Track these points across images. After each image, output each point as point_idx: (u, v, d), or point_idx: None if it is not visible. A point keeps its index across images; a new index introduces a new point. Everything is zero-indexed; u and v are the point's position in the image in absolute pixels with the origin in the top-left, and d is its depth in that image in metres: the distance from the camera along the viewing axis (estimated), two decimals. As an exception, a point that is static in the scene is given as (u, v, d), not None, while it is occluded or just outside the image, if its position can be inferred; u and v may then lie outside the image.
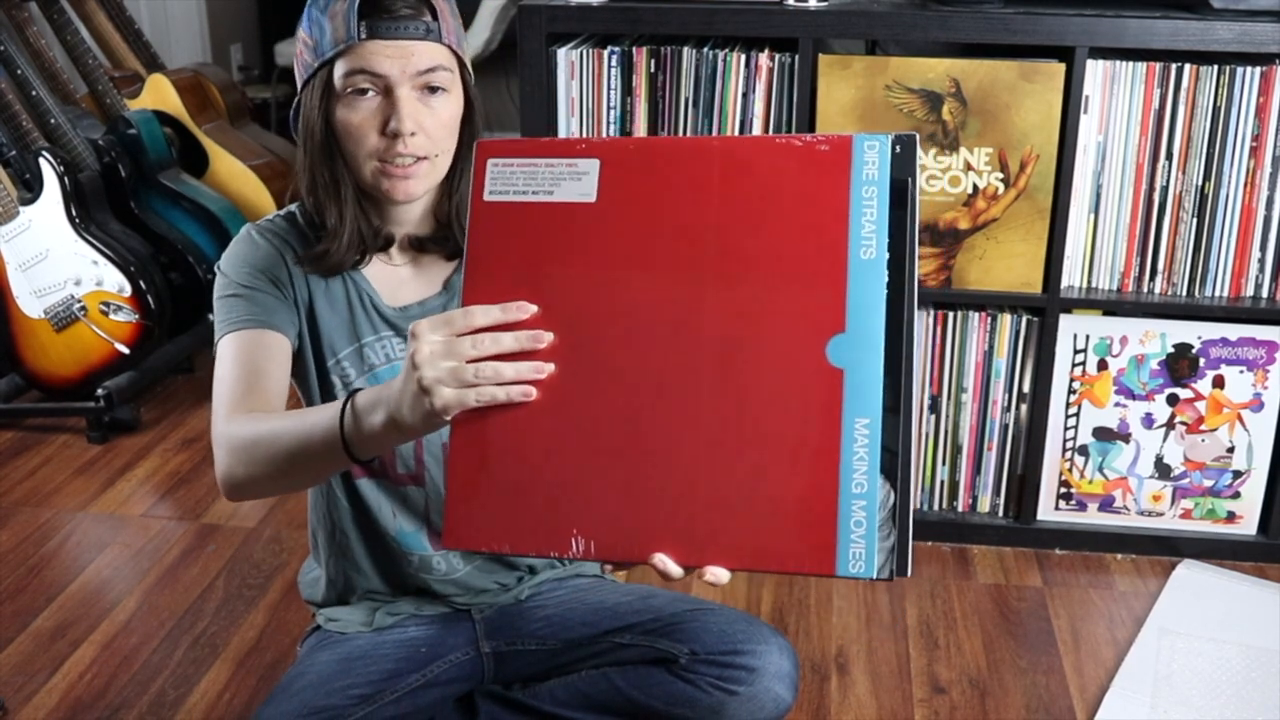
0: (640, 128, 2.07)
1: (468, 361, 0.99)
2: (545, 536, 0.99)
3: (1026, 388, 2.12)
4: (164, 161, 2.98)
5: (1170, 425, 2.13)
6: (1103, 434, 2.14)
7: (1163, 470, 2.16)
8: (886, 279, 0.95)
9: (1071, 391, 2.13)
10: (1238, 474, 2.14)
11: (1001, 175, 2.01)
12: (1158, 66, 1.95)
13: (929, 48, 2.16)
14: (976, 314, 2.09)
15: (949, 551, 2.21)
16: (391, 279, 1.42)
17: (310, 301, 1.39)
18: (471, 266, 1.02)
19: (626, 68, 2.05)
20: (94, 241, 2.67)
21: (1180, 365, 2.09)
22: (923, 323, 2.10)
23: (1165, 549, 2.18)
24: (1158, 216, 2.03)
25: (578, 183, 1.00)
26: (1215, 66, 1.94)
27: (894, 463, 0.95)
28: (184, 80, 3.28)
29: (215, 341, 1.36)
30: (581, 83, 2.07)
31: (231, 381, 1.30)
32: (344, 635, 1.50)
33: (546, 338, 1.00)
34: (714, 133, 2.06)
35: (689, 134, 2.06)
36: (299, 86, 1.35)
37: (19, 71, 2.76)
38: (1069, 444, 2.16)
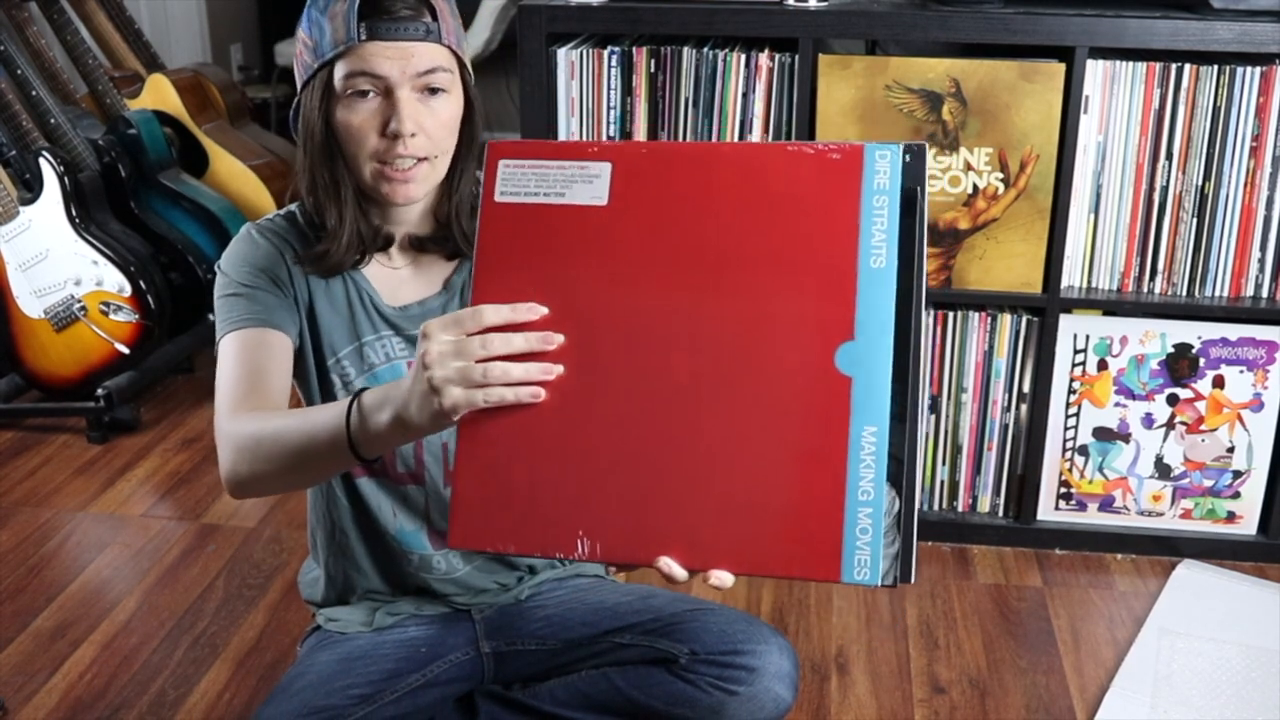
0: (640, 127, 2.07)
1: (477, 361, 0.99)
2: (551, 537, 0.99)
3: (1026, 388, 2.12)
4: (164, 161, 2.98)
5: (1170, 425, 2.13)
6: (1103, 434, 2.14)
7: (1163, 470, 2.16)
8: (896, 288, 0.95)
9: (1071, 391, 2.13)
10: (1238, 474, 2.14)
11: (1001, 175, 2.01)
12: (1158, 66, 1.95)
13: (929, 48, 2.16)
14: (976, 314, 2.09)
15: (949, 551, 2.21)
16: (391, 278, 1.42)
17: (310, 301, 1.39)
18: (481, 266, 1.02)
19: (626, 68, 2.05)
20: (94, 241, 2.67)
21: (1180, 365, 2.09)
22: (923, 323, 2.10)
23: (1165, 549, 2.18)
24: (1158, 216, 2.03)
25: (589, 185, 1.00)
26: (1215, 66, 1.94)
27: (900, 470, 0.95)
28: (184, 80, 3.28)
29: (216, 340, 1.36)
30: (581, 83, 2.07)
31: (234, 380, 1.30)
32: (344, 635, 1.50)
33: (556, 339, 0.99)
34: (714, 133, 2.06)
35: (689, 134, 2.06)
36: (299, 87, 1.35)
37: (19, 71, 2.76)
38: (1069, 444, 2.16)
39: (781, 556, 0.95)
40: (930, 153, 2.02)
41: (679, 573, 0.98)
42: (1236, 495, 2.16)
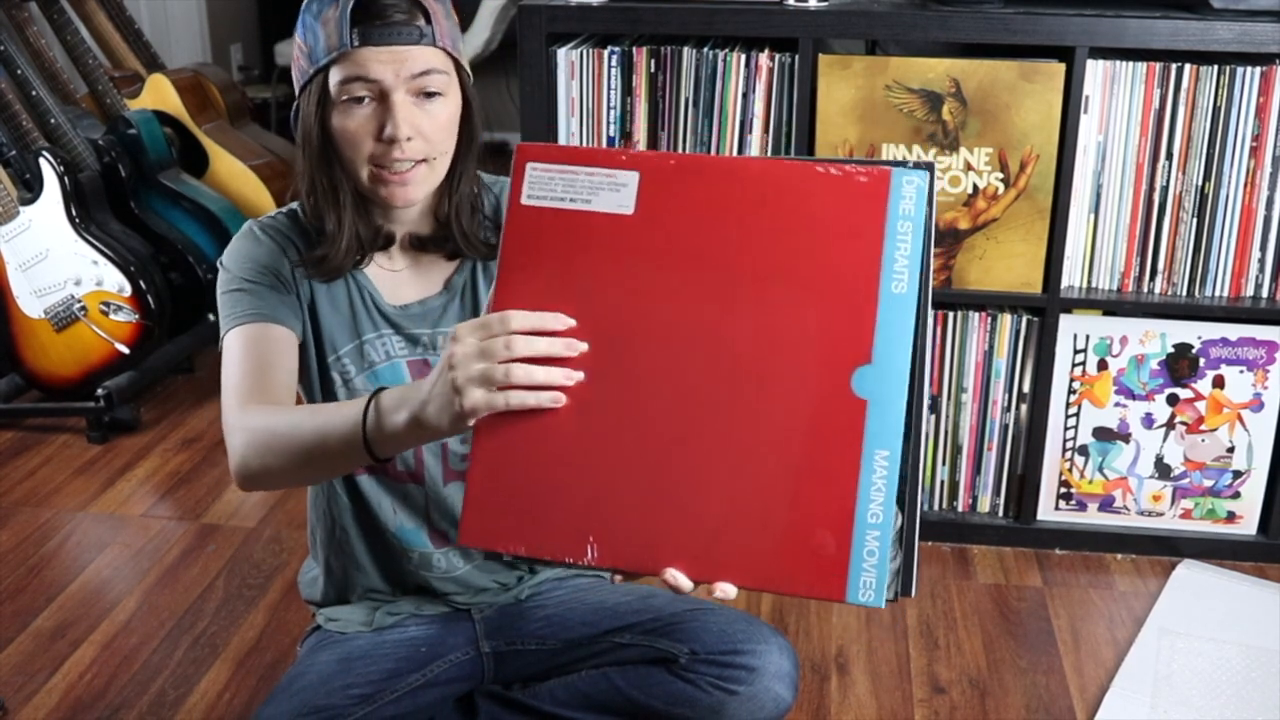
0: (640, 127, 2.07)
1: (500, 362, 0.99)
2: (559, 541, 0.99)
3: (1026, 388, 2.12)
4: (164, 161, 2.98)
5: (1170, 425, 2.13)
6: (1103, 434, 2.14)
7: (1163, 470, 2.16)
8: (916, 314, 0.95)
9: (1071, 391, 2.13)
10: (1238, 474, 2.14)
11: (1001, 175, 2.01)
12: (1158, 66, 1.95)
13: (929, 48, 2.16)
14: (976, 314, 2.09)
15: (949, 551, 2.21)
16: (392, 277, 1.42)
17: (312, 299, 1.39)
18: (505, 268, 1.02)
19: (626, 68, 2.05)
20: (94, 241, 2.67)
21: (1180, 365, 2.09)
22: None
23: (1165, 549, 2.18)
24: (1158, 216, 2.03)
25: (616, 194, 1.01)
26: (1215, 66, 1.94)
27: (904, 487, 0.96)
28: (184, 80, 3.28)
29: (221, 336, 1.36)
30: (581, 83, 2.07)
31: (241, 374, 1.30)
32: (344, 635, 1.50)
33: (580, 346, 1.00)
34: (714, 133, 2.06)
35: (689, 134, 2.07)
36: (296, 92, 1.35)
37: (19, 71, 2.76)
38: (1069, 444, 2.16)
39: (787, 574, 0.95)
40: (930, 153, 2.02)
41: (684, 583, 0.98)
42: (1236, 495, 2.16)
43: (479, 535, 1.01)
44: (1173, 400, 2.11)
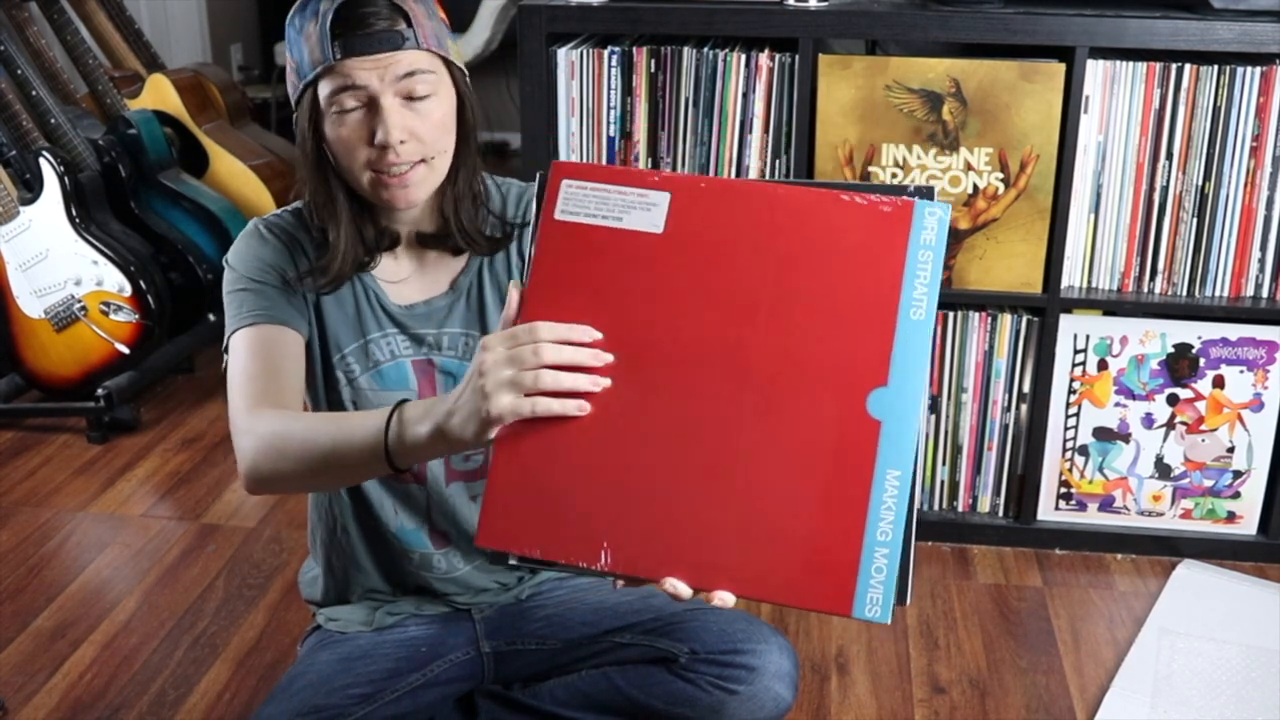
0: (640, 127, 2.07)
1: (528, 369, 1.00)
2: (576, 545, 1.01)
3: (1026, 388, 2.12)
4: (164, 161, 2.98)
5: (1170, 425, 2.13)
6: (1103, 434, 2.15)
7: (1163, 470, 2.16)
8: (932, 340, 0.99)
9: (1071, 391, 2.13)
10: (1238, 474, 2.14)
11: (1001, 175, 2.01)
12: (1158, 66, 1.95)
13: (929, 48, 2.16)
14: (976, 314, 2.09)
15: (949, 551, 2.21)
16: (398, 277, 1.42)
17: (317, 298, 1.39)
18: (535, 281, 1.04)
19: (626, 68, 2.05)
20: (94, 241, 2.67)
21: (1180, 365, 2.09)
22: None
23: (1165, 549, 2.18)
24: (1158, 216, 2.03)
25: (647, 213, 1.03)
26: (1215, 66, 1.94)
27: None
28: (184, 80, 3.28)
29: (227, 335, 1.35)
30: (581, 83, 2.07)
31: (249, 376, 1.30)
32: (344, 635, 1.51)
33: (605, 357, 1.01)
34: (714, 133, 2.06)
35: (689, 134, 2.07)
36: (293, 105, 1.35)
37: (19, 71, 2.76)
38: (1069, 444, 2.16)
39: (796, 587, 0.97)
40: (930, 153, 2.02)
41: (684, 591, 0.99)
42: (1236, 495, 2.16)
43: (496, 536, 1.03)
44: (1173, 400, 2.11)
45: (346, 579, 1.52)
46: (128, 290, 2.67)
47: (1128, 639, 1.95)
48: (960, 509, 2.23)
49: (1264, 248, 2.02)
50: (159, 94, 3.21)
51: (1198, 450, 2.14)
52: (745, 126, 2.05)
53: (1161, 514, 2.19)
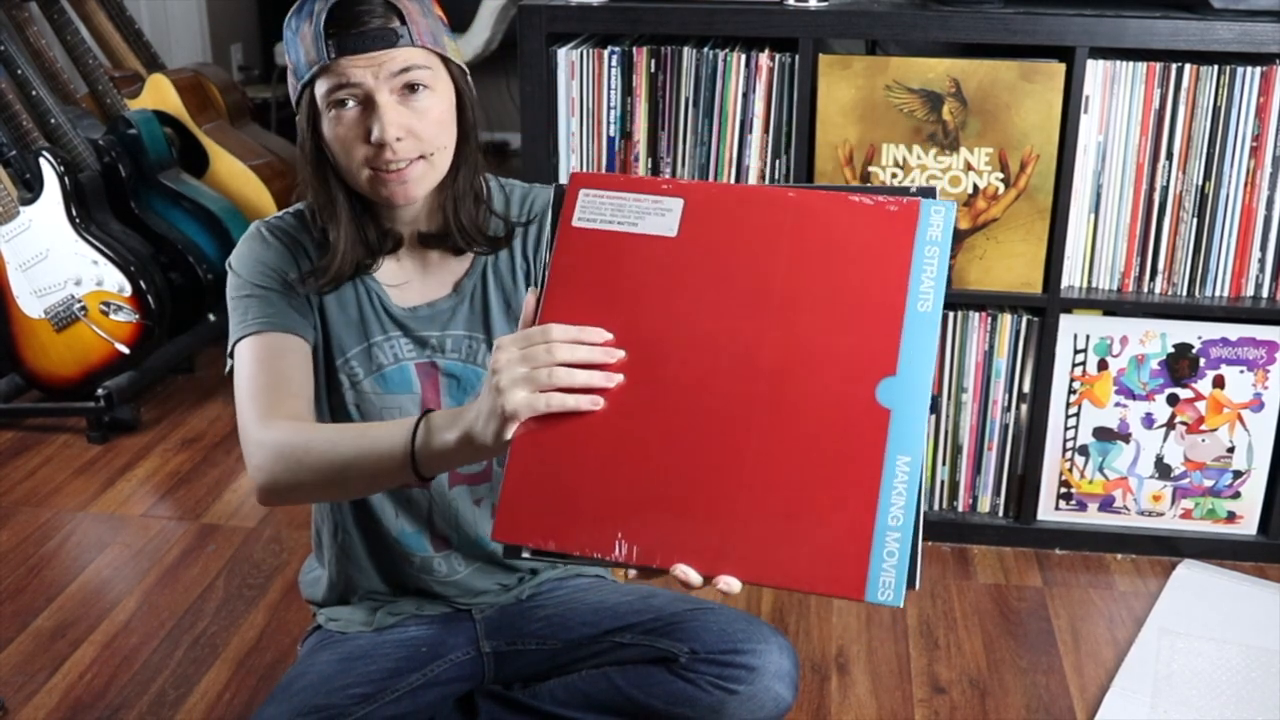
0: (640, 127, 2.07)
1: (542, 366, 1.02)
2: (591, 537, 1.03)
3: (1026, 388, 2.12)
4: (164, 161, 2.98)
5: (1170, 425, 2.13)
6: (1103, 434, 2.15)
7: (1163, 470, 2.16)
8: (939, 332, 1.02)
9: (1071, 391, 2.13)
10: (1238, 474, 2.14)
11: (1001, 175, 2.01)
12: (1158, 66, 1.95)
13: (929, 48, 2.16)
14: (976, 314, 2.09)
15: (949, 551, 2.21)
16: (401, 280, 1.42)
17: (321, 301, 1.39)
18: (553, 285, 1.07)
19: (626, 68, 2.05)
20: (94, 241, 2.67)
21: (1180, 365, 2.09)
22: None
23: (1165, 549, 2.18)
24: (1158, 216, 2.03)
25: (661, 218, 1.07)
26: (1215, 66, 1.94)
27: None
28: (184, 80, 3.28)
29: (232, 342, 1.35)
30: (581, 83, 2.07)
31: (259, 386, 1.30)
32: (344, 635, 1.51)
33: (618, 354, 1.04)
34: (715, 133, 2.06)
35: (689, 134, 2.07)
36: (293, 106, 1.35)
37: (19, 71, 2.76)
38: (1069, 444, 2.16)
39: (810, 573, 0.99)
40: (931, 153, 2.02)
41: (694, 578, 1.00)
42: (1237, 495, 2.16)
43: (512, 531, 1.04)
44: (1173, 400, 2.11)
45: (348, 580, 1.52)
46: (128, 290, 2.67)
47: (1128, 639, 1.95)
48: (960, 509, 2.23)
49: (1264, 248, 2.02)
50: (159, 94, 3.21)
51: (1198, 450, 2.14)
52: (745, 126, 2.05)
53: (1161, 514, 2.19)
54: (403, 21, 1.27)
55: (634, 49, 2.04)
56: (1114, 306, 2.07)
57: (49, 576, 2.17)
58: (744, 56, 2.02)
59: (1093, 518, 2.20)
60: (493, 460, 1.44)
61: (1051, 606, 2.05)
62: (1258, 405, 2.10)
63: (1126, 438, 2.14)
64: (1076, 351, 2.11)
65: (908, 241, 1.03)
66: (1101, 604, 2.06)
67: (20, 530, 2.32)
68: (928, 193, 1.04)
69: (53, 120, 2.76)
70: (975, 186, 2.02)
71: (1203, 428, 2.12)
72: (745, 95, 2.04)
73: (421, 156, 1.30)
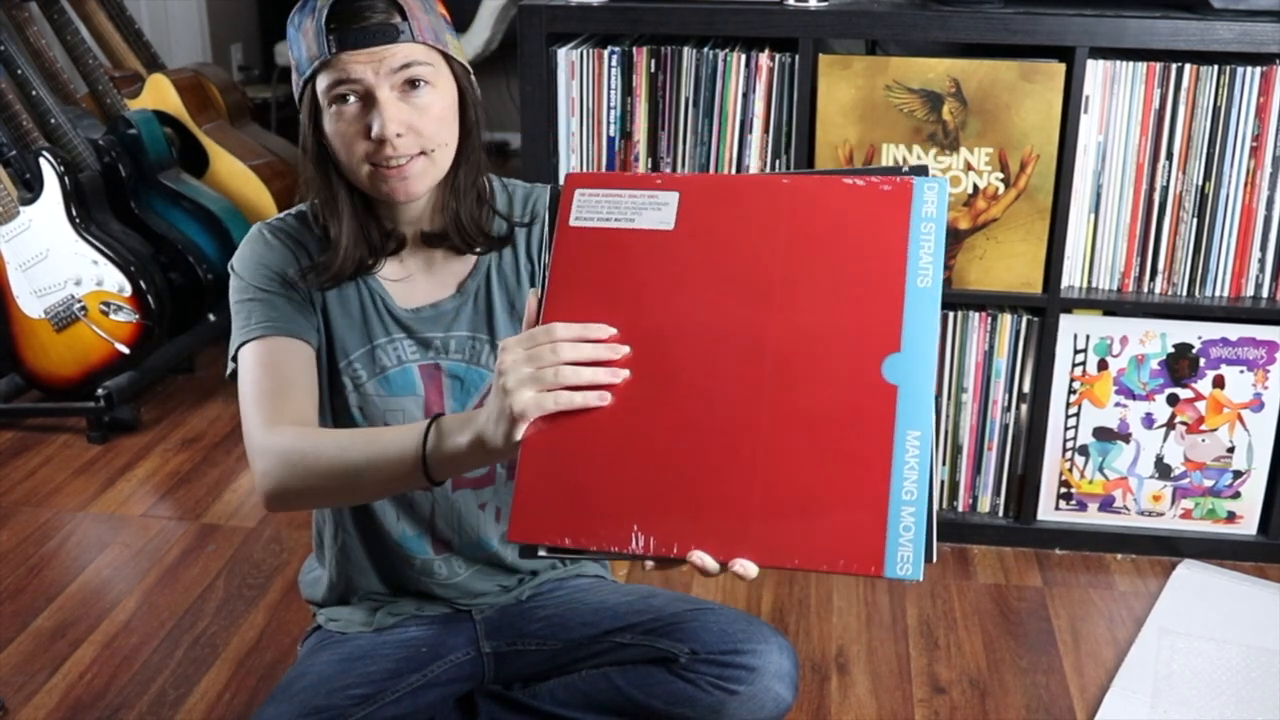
0: (640, 127, 2.07)
1: (547, 366, 1.03)
2: (607, 532, 1.03)
3: (1026, 388, 2.12)
4: (164, 161, 2.98)
5: (1170, 425, 2.13)
6: (1103, 434, 2.15)
7: (1163, 470, 2.16)
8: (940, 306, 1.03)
9: (1071, 391, 2.13)
10: (1238, 474, 2.14)
11: (1001, 175, 2.01)
12: (1158, 66, 1.95)
13: (929, 48, 2.16)
14: (976, 314, 2.09)
15: (949, 551, 2.21)
16: (404, 281, 1.41)
17: (324, 302, 1.39)
18: (554, 285, 1.08)
19: (626, 68, 2.05)
20: (94, 241, 2.67)
21: (1180, 365, 2.09)
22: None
23: (1165, 549, 2.18)
24: (1158, 216, 2.03)
25: (658, 212, 1.08)
26: (1215, 66, 1.94)
27: None
28: (184, 80, 3.28)
29: (234, 345, 1.35)
30: (581, 83, 2.07)
31: (262, 391, 1.30)
32: (345, 635, 1.50)
33: (623, 350, 1.05)
34: (715, 133, 2.06)
35: (689, 134, 2.07)
36: (296, 103, 1.35)
37: (19, 71, 2.76)
38: (1069, 444, 2.16)
39: (827, 552, 0.99)
40: (930, 153, 2.02)
41: (711, 565, 1.00)
42: (1237, 495, 2.16)
43: (527, 531, 1.05)
44: (1173, 400, 2.11)
45: (348, 580, 1.52)
46: (128, 290, 2.67)
47: (1128, 639, 1.95)
48: (960, 509, 2.23)
49: (1264, 248, 2.02)
50: (159, 94, 3.21)
51: (1198, 450, 2.14)
52: (745, 126, 2.05)
53: (1161, 514, 2.19)
54: (404, 17, 1.27)
55: (634, 49, 2.04)
56: (1114, 306, 2.07)
57: (49, 576, 2.17)
58: (744, 56, 2.02)
59: (1093, 518, 2.20)
60: (496, 464, 1.44)
61: (1051, 606, 2.05)
62: (1258, 405, 2.10)
63: (1126, 438, 2.14)
64: (1076, 351, 2.11)
65: (904, 219, 1.04)
66: (1101, 604, 2.06)
67: (20, 530, 2.32)
68: (920, 171, 1.05)
69: (53, 120, 2.76)
70: (975, 186, 2.02)
71: (1203, 428, 2.12)
72: (745, 95, 2.04)
73: (422, 153, 1.30)
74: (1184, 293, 2.06)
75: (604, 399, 1.04)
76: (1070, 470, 2.18)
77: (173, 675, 1.88)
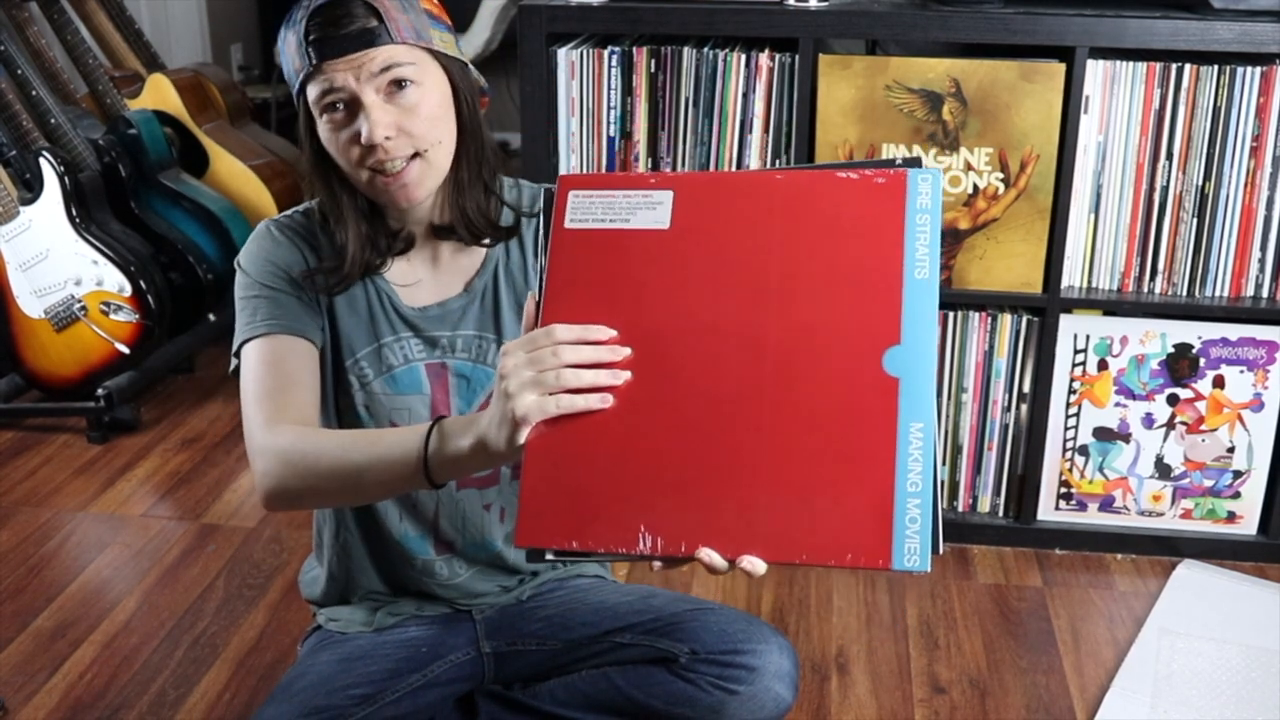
0: (640, 127, 2.07)
1: (549, 369, 1.03)
2: (615, 533, 1.03)
3: (1026, 388, 2.12)
4: (164, 161, 2.98)
5: (1170, 425, 2.13)
6: (1103, 434, 2.15)
7: (1163, 470, 2.16)
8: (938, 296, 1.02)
9: (1071, 391, 2.13)
10: (1238, 474, 2.14)
11: (1002, 175, 2.01)
12: (1158, 66, 1.95)
13: (929, 48, 2.16)
14: (976, 314, 2.09)
15: (949, 551, 2.21)
16: (411, 279, 1.41)
17: (330, 301, 1.39)
18: (552, 288, 1.08)
19: (626, 68, 2.05)
20: (94, 241, 2.67)
21: (1180, 365, 2.09)
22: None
23: (1165, 549, 2.18)
24: (1158, 216, 2.03)
25: (653, 211, 1.08)
26: (1215, 66, 1.94)
27: None
28: (184, 80, 3.28)
29: (238, 342, 1.35)
30: (581, 83, 2.07)
31: (264, 389, 1.30)
32: (345, 635, 1.50)
33: (624, 351, 1.04)
34: (715, 133, 2.06)
35: (689, 134, 2.07)
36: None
37: (19, 71, 2.76)
38: (1069, 444, 2.16)
39: (834, 547, 0.99)
40: (930, 153, 2.02)
41: (720, 563, 1.00)
42: (1237, 495, 2.16)
43: (534, 536, 1.05)
44: (1173, 400, 2.11)
45: (348, 580, 1.52)
46: (128, 290, 2.67)
47: (1128, 639, 1.95)
48: (960, 509, 2.23)
49: (1264, 248, 2.02)
50: (159, 94, 3.21)
51: (1198, 450, 2.14)
52: (745, 126, 2.05)
53: (1161, 514, 2.19)
54: (381, 20, 1.26)
55: (634, 49, 2.04)
56: (1114, 306, 2.07)
57: (49, 576, 2.17)
58: (744, 56, 2.02)
59: (1093, 518, 2.20)
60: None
61: (1051, 606, 2.05)
62: (1258, 405, 2.10)
63: (1126, 438, 2.14)
64: (1076, 351, 2.11)
65: (899, 211, 1.03)
66: (1101, 604, 2.06)
67: (20, 530, 2.32)
68: (913, 163, 1.05)
69: (53, 120, 2.76)
70: (975, 186, 2.02)
71: (1203, 428, 2.12)
72: (745, 95, 2.04)
73: (417, 154, 1.30)
74: (1184, 293, 2.06)
75: (606, 401, 1.04)
76: (1070, 470, 2.18)
77: (173, 675, 1.88)
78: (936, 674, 1.88)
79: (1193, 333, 2.07)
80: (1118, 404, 2.12)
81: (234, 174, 3.18)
